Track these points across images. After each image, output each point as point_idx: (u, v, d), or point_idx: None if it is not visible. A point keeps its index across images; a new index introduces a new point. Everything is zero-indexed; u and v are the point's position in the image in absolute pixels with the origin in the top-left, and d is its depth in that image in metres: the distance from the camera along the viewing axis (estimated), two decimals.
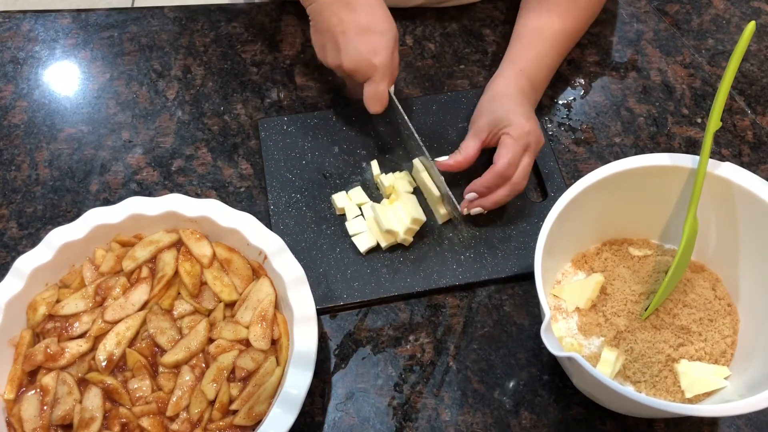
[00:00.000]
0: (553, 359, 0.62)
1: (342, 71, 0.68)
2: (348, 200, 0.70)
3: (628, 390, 0.49)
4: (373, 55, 0.65)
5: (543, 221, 0.56)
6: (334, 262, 0.67)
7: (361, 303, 0.65)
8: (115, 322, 0.60)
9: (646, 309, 0.60)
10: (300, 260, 0.61)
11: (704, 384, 0.56)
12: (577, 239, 0.64)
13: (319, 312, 0.65)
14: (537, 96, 0.73)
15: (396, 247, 0.68)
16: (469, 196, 0.66)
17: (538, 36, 0.73)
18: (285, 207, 0.70)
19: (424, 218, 0.66)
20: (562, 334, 0.60)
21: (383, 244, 0.66)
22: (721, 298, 0.61)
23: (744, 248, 0.60)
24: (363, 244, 0.67)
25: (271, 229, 0.66)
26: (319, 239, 0.69)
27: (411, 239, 0.67)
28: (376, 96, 0.67)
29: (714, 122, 0.55)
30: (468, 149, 0.67)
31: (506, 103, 0.68)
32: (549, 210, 0.57)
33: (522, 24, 0.75)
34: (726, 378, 0.57)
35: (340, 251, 0.68)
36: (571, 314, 0.62)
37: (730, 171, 0.57)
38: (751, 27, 0.52)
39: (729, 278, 0.62)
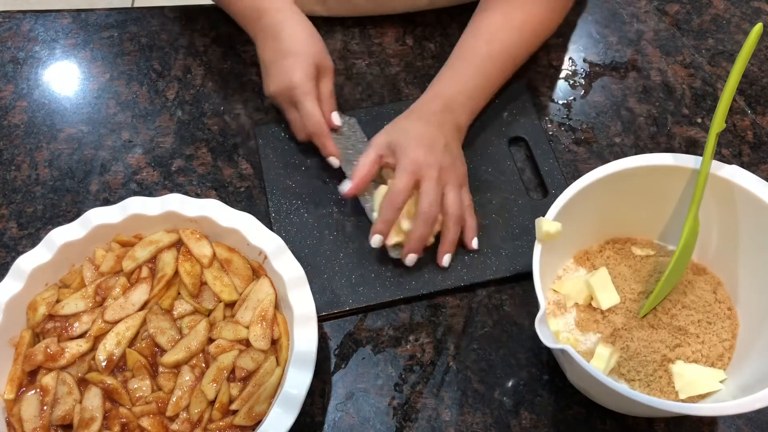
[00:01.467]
0: (554, 359, 0.62)
1: (273, 99, 0.72)
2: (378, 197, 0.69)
3: (620, 385, 0.49)
4: (291, 74, 0.68)
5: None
6: (339, 268, 0.67)
7: (366, 307, 0.65)
8: (115, 322, 0.60)
9: (644, 307, 0.60)
10: (304, 267, 0.61)
11: (698, 386, 0.56)
12: (580, 236, 0.64)
13: (325, 318, 0.65)
14: (459, 120, 0.69)
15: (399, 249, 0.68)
16: (410, 259, 0.65)
17: (460, 57, 0.72)
18: (286, 213, 0.70)
19: None
20: (559, 329, 0.60)
21: (393, 241, 0.66)
22: (722, 301, 0.61)
23: (745, 251, 0.60)
24: (391, 238, 0.66)
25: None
26: (322, 245, 0.68)
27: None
28: (304, 116, 0.68)
29: (717, 124, 0.55)
30: (361, 166, 0.66)
31: (406, 127, 0.67)
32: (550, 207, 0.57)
33: (456, 46, 0.74)
34: (721, 381, 0.57)
35: (343, 256, 0.68)
36: (569, 310, 0.62)
37: (733, 173, 0.57)
38: (757, 29, 0.51)
39: (729, 280, 0.62)
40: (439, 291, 0.66)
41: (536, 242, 0.55)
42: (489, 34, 0.72)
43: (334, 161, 0.70)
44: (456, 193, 0.65)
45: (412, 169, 0.63)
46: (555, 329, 0.60)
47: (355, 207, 0.70)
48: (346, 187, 0.66)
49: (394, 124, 0.69)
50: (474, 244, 0.67)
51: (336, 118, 0.71)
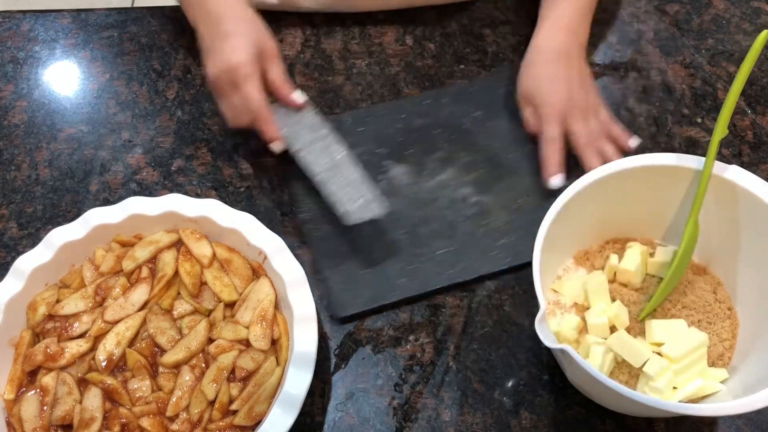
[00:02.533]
0: (554, 359, 0.62)
1: (211, 82, 0.69)
2: None
3: (619, 385, 0.48)
4: (231, 54, 0.66)
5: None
6: (377, 263, 0.67)
7: (408, 299, 0.65)
8: (115, 322, 0.60)
9: (643, 310, 0.60)
10: (342, 265, 0.62)
11: (699, 386, 0.56)
12: (580, 236, 0.64)
13: (367, 313, 0.65)
14: (582, 39, 0.73)
15: (437, 238, 0.68)
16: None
17: None
18: (317, 215, 0.70)
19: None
20: (558, 329, 0.60)
21: None
22: (722, 301, 0.61)
23: (745, 251, 0.60)
24: None
25: (306, 242, 0.67)
26: (355, 243, 0.68)
27: None
28: (246, 99, 0.66)
29: (721, 129, 0.55)
30: (550, 143, 0.69)
31: (538, 73, 0.69)
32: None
33: None
34: (722, 381, 0.56)
35: (376, 251, 0.68)
36: (569, 309, 0.62)
37: (735, 174, 0.57)
38: (763, 36, 0.51)
39: (729, 280, 0.62)
40: (478, 278, 0.66)
41: (537, 242, 0.55)
42: None
43: (277, 146, 0.69)
44: (597, 119, 0.69)
45: (557, 117, 0.67)
46: (555, 329, 0.60)
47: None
48: (557, 180, 0.68)
49: (525, 73, 0.71)
50: (632, 142, 0.70)
51: (298, 96, 0.69)
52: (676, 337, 0.57)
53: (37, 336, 0.61)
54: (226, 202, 0.65)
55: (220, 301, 0.61)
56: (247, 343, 0.59)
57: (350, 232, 0.68)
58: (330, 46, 0.84)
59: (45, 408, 0.57)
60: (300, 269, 0.60)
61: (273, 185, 0.74)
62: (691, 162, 0.59)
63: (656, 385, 0.54)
